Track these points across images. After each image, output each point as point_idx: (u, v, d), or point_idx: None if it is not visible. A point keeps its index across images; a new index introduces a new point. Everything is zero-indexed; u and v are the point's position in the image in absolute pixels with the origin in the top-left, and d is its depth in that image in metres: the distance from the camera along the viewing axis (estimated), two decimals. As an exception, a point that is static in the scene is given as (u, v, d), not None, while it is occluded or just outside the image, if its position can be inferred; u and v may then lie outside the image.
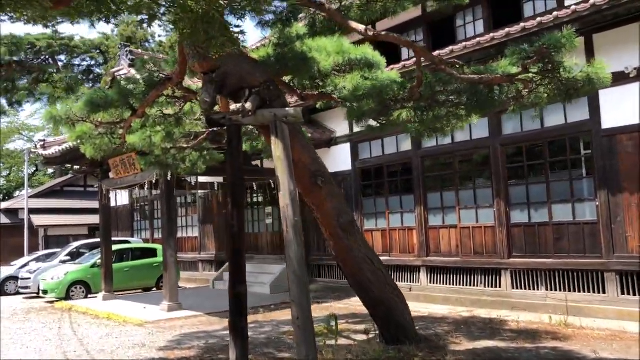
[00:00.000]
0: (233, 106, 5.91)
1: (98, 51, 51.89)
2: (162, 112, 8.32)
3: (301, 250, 5.69)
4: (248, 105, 5.86)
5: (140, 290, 16.78)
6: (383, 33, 6.29)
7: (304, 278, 5.64)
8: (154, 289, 16.90)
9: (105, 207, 15.04)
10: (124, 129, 8.37)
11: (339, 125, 13.58)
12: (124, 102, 7.65)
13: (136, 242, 19.34)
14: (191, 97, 7.96)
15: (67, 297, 15.37)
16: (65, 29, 60.02)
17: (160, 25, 52.40)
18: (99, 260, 15.93)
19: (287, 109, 6.05)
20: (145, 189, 13.45)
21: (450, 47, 10.27)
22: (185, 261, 18.92)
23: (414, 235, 11.88)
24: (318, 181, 6.45)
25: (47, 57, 40.29)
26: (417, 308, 10.83)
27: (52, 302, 15.39)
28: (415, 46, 6.49)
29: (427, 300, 11.34)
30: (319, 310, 11.18)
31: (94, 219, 27.12)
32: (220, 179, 15.97)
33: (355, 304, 11.85)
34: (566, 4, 9.86)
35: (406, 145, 12.07)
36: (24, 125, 38.22)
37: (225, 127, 6.25)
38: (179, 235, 19.90)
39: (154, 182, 12.56)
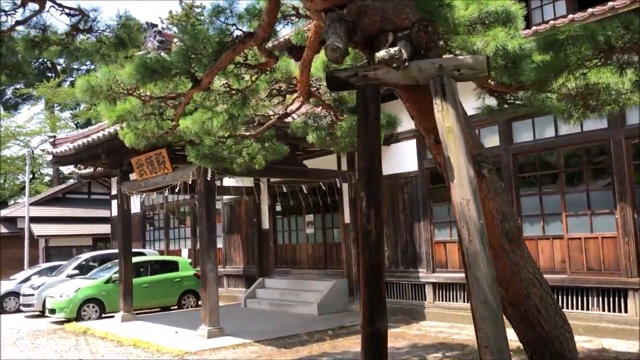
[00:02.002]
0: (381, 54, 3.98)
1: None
2: (228, 85, 6.42)
3: (491, 269, 3.76)
4: (394, 51, 3.95)
5: (158, 309, 14.74)
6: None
7: (499, 311, 3.71)
8: (175, 307, 14.88)
9: (125, 213, 13.05)
10: (179, 106, 6.48)
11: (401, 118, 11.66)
12: (185, 69, 5.73)
13: (152, 254, 17.32)
14: (270, 64, 6.07)
15: (79, 317, 13.34)
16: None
17: (163, 29, 50.83)
18: (115, 275, 13.94)
19: (461, 57, 4.16)
20: (175, 192, 11.51)
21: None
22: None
23: (502, 248, 9.94)
24: (483, 169, 4.52)
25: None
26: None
27: (60, 322, 13.35)
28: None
29: (522, 326, 9.38)
30: (392, 339, 9.23)
31: (99, 229, 25.14)
32: (249, 182, 14.08)
33: (430, 329, 9.91)
34: None
35: (492, 139, 10.17)
36: (20, 128, 36.03)
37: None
38: (198, 246, 17.89)
39: (189, 182, 10.61)
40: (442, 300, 10.85)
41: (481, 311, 3.70)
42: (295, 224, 14.62)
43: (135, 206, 21.24)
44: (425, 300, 11.16)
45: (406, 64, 3.95)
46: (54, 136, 13.12)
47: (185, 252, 18.47)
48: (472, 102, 6.41)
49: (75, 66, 50.46)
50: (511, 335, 4.29)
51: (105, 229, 24.89)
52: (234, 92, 6.52)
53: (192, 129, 6.97)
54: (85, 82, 5.86)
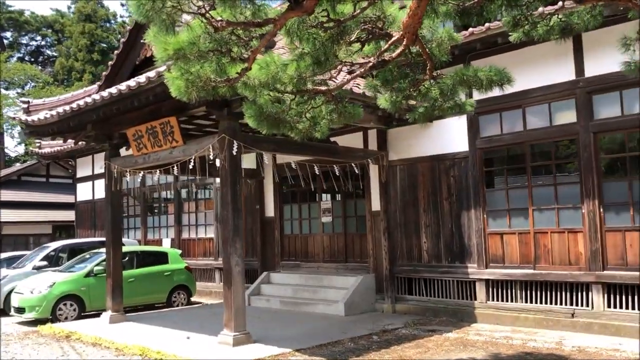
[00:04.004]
0: None
1: (51, 30, 46.49)
2: (327, 14, 4.78)
3: None
4: None
5: (143, 307, 12.77)
6: None
7: None
8: (162, 305, 12.96)
9: (115, 195, 11.02)
10: (263, 40, 4.80)
11: (448, 92, 10.15)
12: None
13: (131, 244, 15.24)
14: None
15: (54, 317, 11.26)
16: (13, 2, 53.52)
17: (122, 5, 47.64)
18: (97, 267, 11.94)
19: None
20: (186, 171, 9.60)
21: None
22: (194, 269, 14.94)
23: (579, 241, 8.57)
24: None
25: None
26: (592, 343, 7.62)
27: (31, 323, 11.25)
28: None
29: (604, 331, 8.06)
30: (456, 346, 7.75)
31: (60, 216, 22.70)
32: (250, 162, 12.31)
33: (492, 334, 8.48)
34: None
35: (568, 115, 8.78)
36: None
37: None
38: (185, 236, 15.97)
39: (211, 157, 8.77)
40: (498, 300, 9.41)
41: None
42: (308, 212, 12.91)
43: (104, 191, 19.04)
44: (475, 299, 9.70)
45: None
46: (28, 102, 10.95)
47: (167, 242, 16.46)
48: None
49: (24, 41, 47.01)
50: None
51: (66, 215, 22.54)
52: (332, 23, 4.85)
53: (259, 77, 5.27)
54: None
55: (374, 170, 11.12)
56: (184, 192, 16.02)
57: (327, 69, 5.49)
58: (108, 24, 45.93)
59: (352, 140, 11.33)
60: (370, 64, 5.66)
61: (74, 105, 9.39)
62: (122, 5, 48.76)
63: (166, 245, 16.21)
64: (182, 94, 5.29)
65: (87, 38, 42.42)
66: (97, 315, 11.30)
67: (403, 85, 6.36)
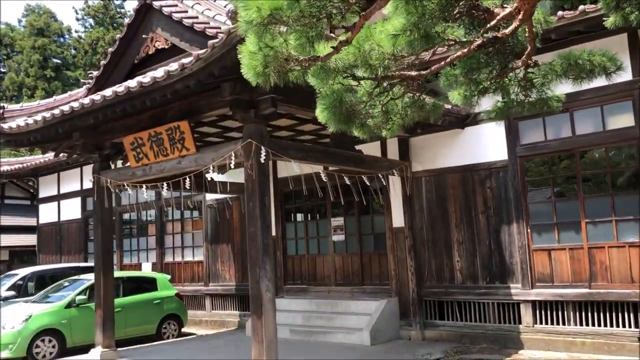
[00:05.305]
0: None
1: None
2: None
3: None
4: None
5: (127, 340, 11.26)
6: None
7: None
8: (152, 336, 11.51)
9: (105, 213, 9.62)
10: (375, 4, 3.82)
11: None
12: None
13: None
14: None
15: (29, 355, 9.71)
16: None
17: (78, 19, 45.44)
18: (79, 297, 10.46)
19: None
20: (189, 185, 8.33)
21: None
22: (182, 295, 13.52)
23: (643, 256, 7.82)
24: None
25: None
26: None
27: (4, 364, 9.66)
28: None
29: (679, 356, 7.27)
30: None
31: (17, 240, 20.72)
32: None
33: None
34: None
35: (624, 118, 8.06)
36: None
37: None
38: (169, 259, 14.54)
39: (231, 164, 7.57)
40: (547, 323, 8.52)
41: None
42: (316, 230, 11.78)
43: (71, 211, 17.42)
44: (519, 323, 8.78)
45: None
46: (3, 107, 9.50)
47: (147, 266, 14.97)
48: None
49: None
50: None
51: (25, 240, 20.59)
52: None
53: (345, 56, 4.31)
54: None
55: (395, 183, 10.15)
56: (167, 211, 14.61)
57: (433, 45, 4.51)
58: (62, 39, 43.82)
59: (368, 150, 10.34)
60: (477, 42, 4.70)
61: (66, 108, 8.05)
62: (77, 20, 46.75)
63: (146, 270, 14.73)
64: (257, 76, 4.20)
65: (39, 53, 40.27)
66: (80, 351, 9.87)
67: (483, 76, 5.41)
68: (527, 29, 4.74)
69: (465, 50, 4.70)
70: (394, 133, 5.47)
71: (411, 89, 5.17)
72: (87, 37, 43.09)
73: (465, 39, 4.74)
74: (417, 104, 5.43)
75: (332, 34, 4.13)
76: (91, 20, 44.87)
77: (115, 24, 43.95)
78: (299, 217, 12.24)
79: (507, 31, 4.58)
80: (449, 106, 8.11)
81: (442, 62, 4.89)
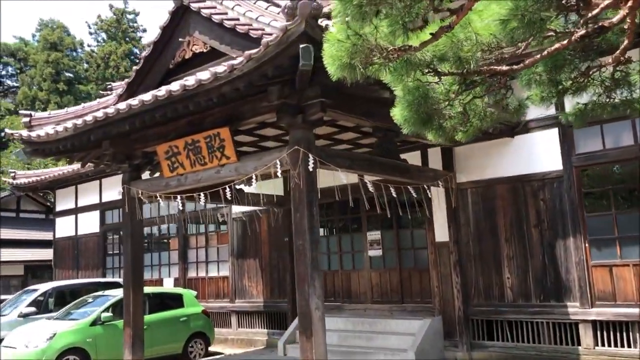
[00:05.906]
0: None
1: (13, 58, 43.91)
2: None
3: None
4: None
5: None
6: None
7: None
8: (179, 356, 10.96)
9: (136, 226, 9.16)
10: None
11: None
12: None
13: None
14: None
15: (54, 376, 9.21)
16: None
17: (90, 34, 45.42)
18: (105, 314, 9.95)
19: None
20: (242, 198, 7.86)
21: None
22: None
23: None
24: None
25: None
26: None
27: (27, 385, 9.13)
28: None
29: None
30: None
31: (33, 255, 20.29)
32: (271, 188, 10.72)
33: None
34: None
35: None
36: None
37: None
38: (192, 274, 14.03)
39: (277, 173, 7.10)
40: (610, 346, 7.94)
41: None
42: (351, 244, 11.26)
43: (89, 225, 16.99)
44: (578, 345, 8.21)
45: None
46: (30, 114, 9.08)
47: (169, 282, 14.46)
48: None
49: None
50: None
51: (41, 254, 20.14)
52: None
53: (436, 48, 3.87)
54: None
55: (438, 195, 9.63)
56: (190, 224, 14.13)
57: (535, 35, 4.03)
58: (75, 53, 43.75)
59: (408, 160, 9.86)
60: (580, 33, 4.22)
61: (99, 114, 7.62)
62: (90, 34, 46.70)
63: (168, 286, 14.23)
64: (341, 69, 3.74)
65: (52, 67, 40.16)
66: (106, 372, 9.34)
67: (564, 75, 4.94)
68: (628, 20, 4.25)
69: (565, 42, 4.21)
70: (469, 137, 4.99)
71: (498, 86, 4.71)
72: (100, 51, 43.02)
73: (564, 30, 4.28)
74: (501, 103, 4.96)
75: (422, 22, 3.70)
76: (104, 35, 44.81)
77: (127, 38, 43.96)
78: (333, 230, 11.72)
79: (614, 20, 4.11)
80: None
81: (538, 55, 4.41)
